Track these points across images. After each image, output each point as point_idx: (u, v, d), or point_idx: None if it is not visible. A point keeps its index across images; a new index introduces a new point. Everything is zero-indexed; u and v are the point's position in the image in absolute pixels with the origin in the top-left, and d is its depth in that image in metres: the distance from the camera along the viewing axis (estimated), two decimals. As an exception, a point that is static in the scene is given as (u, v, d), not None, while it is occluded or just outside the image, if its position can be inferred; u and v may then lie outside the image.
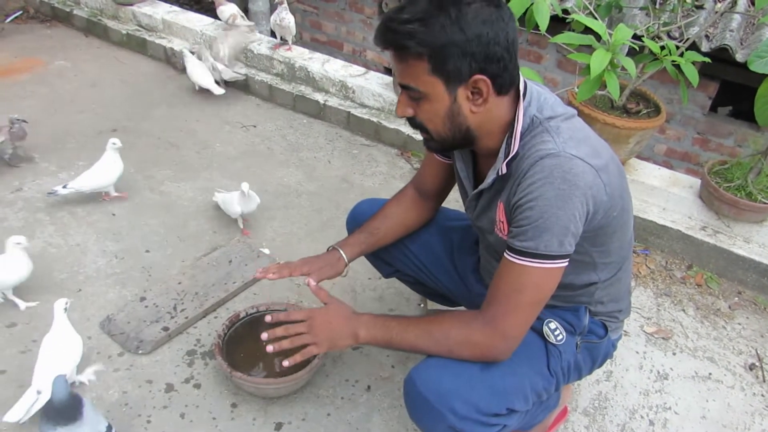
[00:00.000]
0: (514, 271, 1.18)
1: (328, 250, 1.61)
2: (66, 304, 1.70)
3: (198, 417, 1.70)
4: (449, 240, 1.71)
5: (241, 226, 2.42)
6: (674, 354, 2.07)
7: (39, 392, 1.61)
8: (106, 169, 2.44)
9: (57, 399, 1.37)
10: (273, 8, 3.80)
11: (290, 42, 3.53)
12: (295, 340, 1.35)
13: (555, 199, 1.12)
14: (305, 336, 1.35)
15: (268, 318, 1.43)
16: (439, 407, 1.21)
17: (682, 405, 1.88)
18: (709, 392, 1.94)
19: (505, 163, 1.21)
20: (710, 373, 2.01)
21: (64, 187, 2.37)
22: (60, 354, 1.66)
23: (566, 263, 1.18)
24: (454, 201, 1.78)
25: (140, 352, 1.85)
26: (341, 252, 1.58)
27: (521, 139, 1.20)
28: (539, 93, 1.24)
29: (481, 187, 1.31)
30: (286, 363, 1.36)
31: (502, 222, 1.26)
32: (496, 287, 1.23)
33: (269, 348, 1.36)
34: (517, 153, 1.20)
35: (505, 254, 1.21)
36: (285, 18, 3.38)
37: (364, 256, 1.70)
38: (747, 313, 2.28)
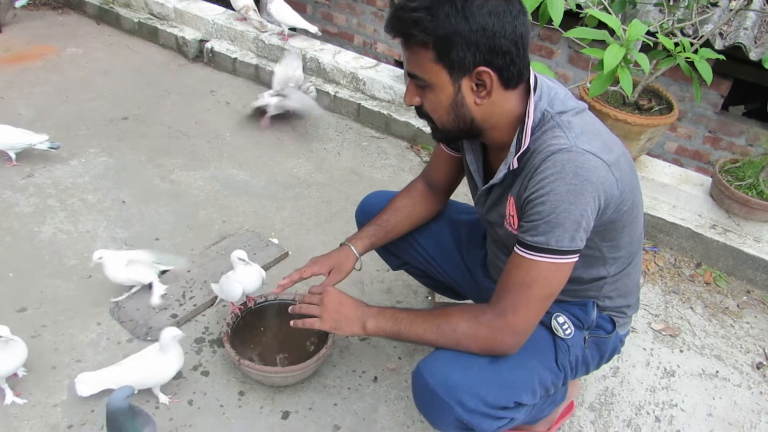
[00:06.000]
0: (524, 265, 1.19)
1: (340, 245, 1.63)
2: None
3: (205, 404, 1.71)
4: (458, 233, 1.71)
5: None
6: (681, 351, 2.07)
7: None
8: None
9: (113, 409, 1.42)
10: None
11: (285, 31, 3.55)
12: (304, 308, 1.45)
13: (567, 194, 1.11)
14: (314, 308, 1.42)
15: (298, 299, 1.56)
16: (447, 399, 1.22)
17: (688, 402, 1.88)
18: (715, 390, 1.94)
19: (516, 157, 1.21)
20: (717, 371, 2.00)
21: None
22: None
23: (577, 258, 1.18)
24: (462, 195, 1.78)
25: (149, 338, 1.86)
26: (352, 247, 1.60)
27: (532, 133, 1.19)
28: (550, 87, 1.24)
29: (492, 182, 1.30)
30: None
31: (512, 216, 1.26)
32: (505, 281, 1.23)
33: (290, 309, 1.50)
34: (528, 148, 1.19)
35: (515, 249, 1.21)
36: (272, 8, 3.42)
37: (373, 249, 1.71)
38: (755, 312, 2.27)
